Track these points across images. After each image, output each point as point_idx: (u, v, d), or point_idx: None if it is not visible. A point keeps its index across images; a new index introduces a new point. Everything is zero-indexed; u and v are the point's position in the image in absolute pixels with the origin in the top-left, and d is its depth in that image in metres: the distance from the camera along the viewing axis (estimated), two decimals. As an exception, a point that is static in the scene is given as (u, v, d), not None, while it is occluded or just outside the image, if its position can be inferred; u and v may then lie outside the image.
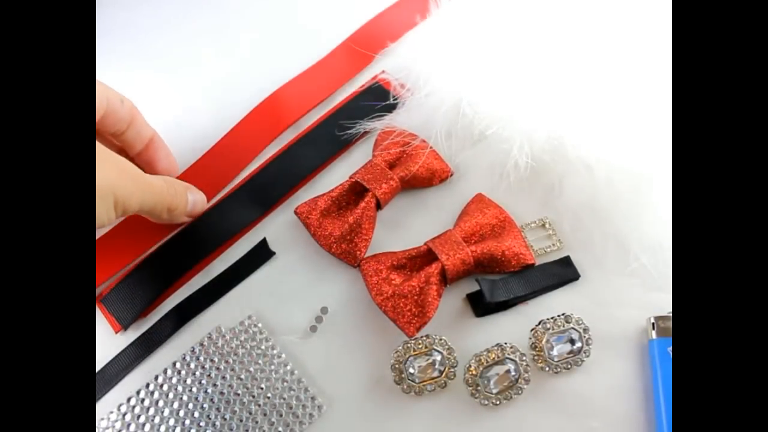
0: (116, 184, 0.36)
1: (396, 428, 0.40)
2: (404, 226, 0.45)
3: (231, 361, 0.41)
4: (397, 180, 0.44)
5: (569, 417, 0.39)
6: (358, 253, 0.43)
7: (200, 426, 0.40)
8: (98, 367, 0.42)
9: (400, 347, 0.39)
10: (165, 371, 0.41)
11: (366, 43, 0.52)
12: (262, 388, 0.41)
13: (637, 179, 0.43)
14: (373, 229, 0.43)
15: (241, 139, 0.49)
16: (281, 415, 0.40)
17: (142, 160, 0.45)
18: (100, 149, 0.37)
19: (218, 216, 0.45)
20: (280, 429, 0.39)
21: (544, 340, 0.40)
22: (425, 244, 0.42)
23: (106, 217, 0.36)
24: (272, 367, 0.41)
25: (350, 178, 0.45)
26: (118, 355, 0.42)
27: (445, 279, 0.41)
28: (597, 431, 0.39)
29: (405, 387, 0.39)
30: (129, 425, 0.40)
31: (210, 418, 0.40)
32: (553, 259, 0.44)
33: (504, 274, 0.43)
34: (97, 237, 0.45)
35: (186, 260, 0.44)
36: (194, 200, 0.44)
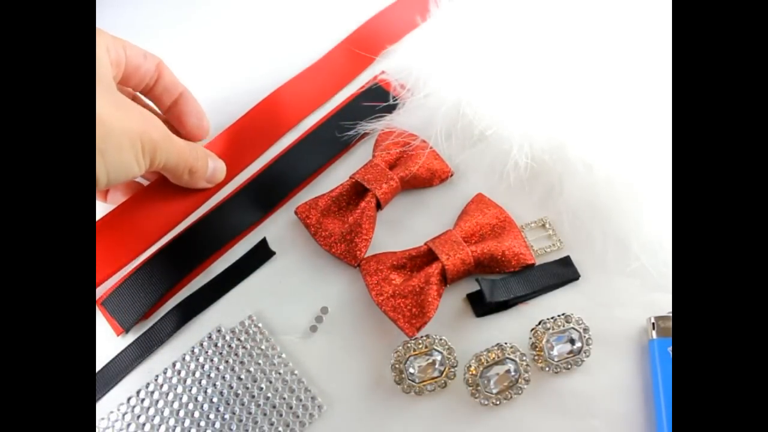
0: (143, 130, 0.37)
1: (396, 428, 0.40)
2: (404, 226, 0.45)
3: (231, 361, 0.41)
4: (398, 180, 0.44)
5: (569, 417, 0.39)
6: (358, 253, 0.43)
7: (200, 426, 0.40)
8: (98, 367, 0.42)
9: (400, 347, 0.39)
10: (165, 371, 0.41)
11: (366, 42, 0.52)
12: (262, 388, 0.41)
13: (637, 179, 0.43)
14: (373, 229, 0.43)
15: (241, 139, 0.49)
16: (281, 415, 0.40)
17: (173, 115, 0.46)
18: (126, 101, 0.38)
19: (220, 218, 0.45)
20: (280, 429, 0.39)
21: (544, 340, 0.40)
22: (425, 244, 0.42)
23: (136, 164, 0.38)
24: (272, 367, 0.41)
25: (350, 178, 0.45)
26: (118, 355, 0.42)
27: (445, 279, 0.41)
28: (597, 431, 0.39)
29: (405, 387, 0.39)
30: (129, 425, 0.40)
31: (210, 419, 0.40)
32: (553, 259, 0.44)
33: (504, 274, 0.43)
34: (111, 210, 0.45)
35: (187, 263, 0.44)
36: (214, 167, 0.45)
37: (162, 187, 0.46)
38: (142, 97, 0.46)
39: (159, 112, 0.47)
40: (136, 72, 0.42)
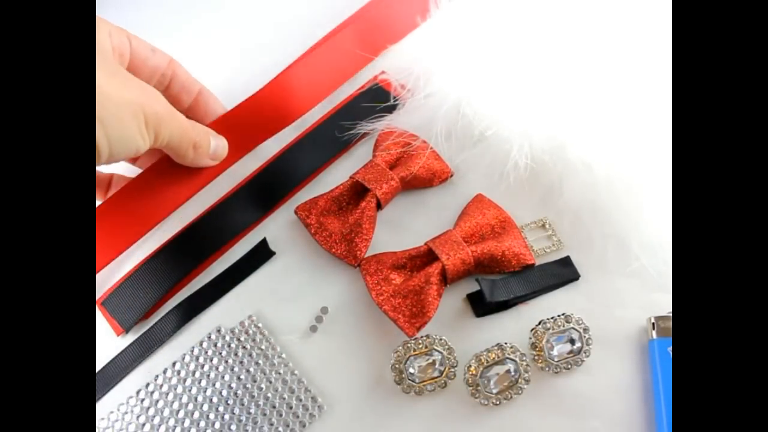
0: (145, 102, 0.37)
1: (396, 428, 0.40)
2: (404, 226, 0.45)
3: (231, 361, 0.41)
4: (398, 180, 0.44)
5: (569, 417, 0.39)
6: (359, 253, 0.43)
7: (200, 426, 0.40)
8: (98, 367, 0.42)
9: (400, 347, 0.39)
10: (165, 371, 0.41)
11: (370, 26, 0.51)
12: (262, 389, 0.41)
13: (637, 179, 0.43)
14: (373, 229, 0.43)
15: (242, 124, 0.48)
16: (281, 416, 0.40)
17: (194, 114, 0.46)
18: (125, 73, 0.38)
19: (219, 218, 0.45)
20: (280, 429, 0.39)
21: (544, 340, 0.40)
22: (425, 244, 0.42)
23: (140, 137, 0.37)
24: (272, 367, 0.41)
25: (351, 178, 0.45)
26: (118, 355, 0.42)
27: (445, 279, 0.41)
28: (597, 431, 0.39)
29: (405, 387, 0.39)
30: (129, 425, 0.40)
31: (210, 419, 0.40)
32: (553, 259, 0.44)
33: (504, 274, 0.43)
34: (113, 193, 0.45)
35: (187, 263, 0.44)
36: (216, 144, 0.45)
37: (163, 170, 0.45)
38: None
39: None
40: (144, 64, 0.42)
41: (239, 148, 0.47)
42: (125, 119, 0.36)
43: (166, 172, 0.45)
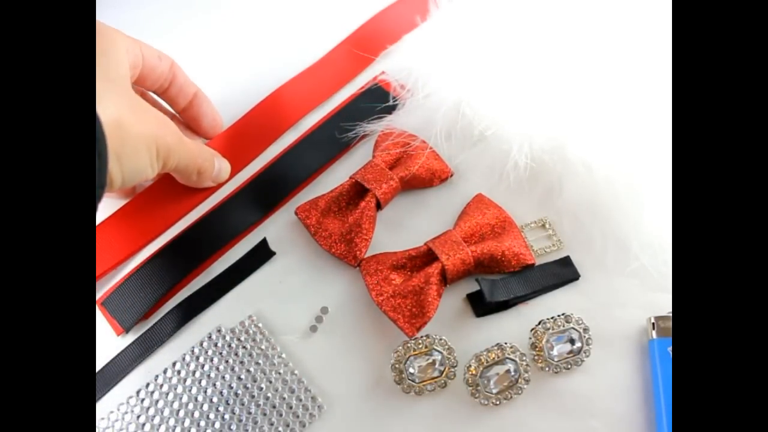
0: (159, 134, 0.38)
1: (396, 428, 0.40)
2: (404, 227, 0.45)
3: (231, 361, 0.41)
4: (397, 180, 0.44)
5: (569, 417, 0.39)
6: (358, 253, 0.43)
7: (200, 426, 0.40)
8: (98, 367, 0.42)
9: (400, 347, 0.39)
10: (165, 371, 0.41)
11: (366, 42, 0.52)
12: (262, 388, 0.41)
13: (637, 179, 0.43)
14: (373, 229, 0.43)
15: (242, 138, 0.49)
16: (281, 415, 0.40)
17: (188, 115, 0.47)
18: (143, 104, 0.38)
19: (220, 218, 0.45)
20: (280, 429, 0.39)
21: (544, 340, 0.40)
22: (425, 244, 0.42)
23: (150, 168, 0.38)
24: (272, 367, 0.41)
25: (350, 178, 0.45)
26: (118, 355, 0.42)
27: (445, 279, 0.41)
28: (597, 431, 0.39)
29: (405, 387, 0.39)
30: (129, 425, 0.40)
31: (210, 419, 0.40)
32: (553, 259, 0.44)
33: (504, 274, 0.43)
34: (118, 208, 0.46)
35: (187, 263, 0.44)
36: (219, 166, 0.46)
37: (166, 186, 0.46)
38: (152, 94, 0.46)
39: (172, 111, 0.48)
40: (152, 73, 0.43)
41: (238, 162, 0.48)
42: (140, 153, 0.37)
43: (168, 189, 0.46)
